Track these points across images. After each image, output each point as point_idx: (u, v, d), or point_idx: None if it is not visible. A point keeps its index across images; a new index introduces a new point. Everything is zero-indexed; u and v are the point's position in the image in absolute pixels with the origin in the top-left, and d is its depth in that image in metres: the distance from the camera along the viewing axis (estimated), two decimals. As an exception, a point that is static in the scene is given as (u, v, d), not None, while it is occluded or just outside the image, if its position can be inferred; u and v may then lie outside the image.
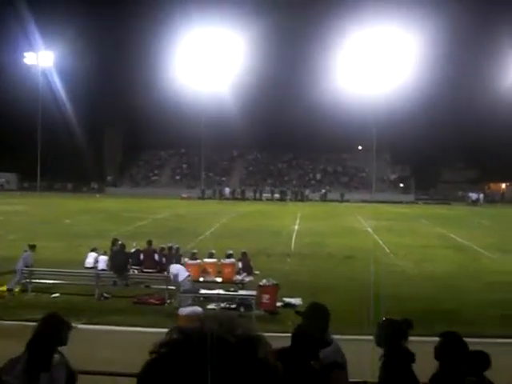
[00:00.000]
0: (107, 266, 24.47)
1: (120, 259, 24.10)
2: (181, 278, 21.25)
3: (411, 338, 7.21)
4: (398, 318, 7.73)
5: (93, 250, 25.96)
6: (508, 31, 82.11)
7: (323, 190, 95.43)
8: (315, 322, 6.78)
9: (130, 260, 24.80)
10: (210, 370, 1.36)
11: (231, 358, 1.40)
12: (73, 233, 39.43)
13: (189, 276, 21.58)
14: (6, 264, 24.83)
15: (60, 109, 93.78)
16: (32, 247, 24.14)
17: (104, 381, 10.39)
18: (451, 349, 6.81)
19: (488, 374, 6.85)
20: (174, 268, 21.84)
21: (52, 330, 6.78)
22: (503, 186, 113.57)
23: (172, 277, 21.43)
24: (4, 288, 22.64)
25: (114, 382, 9.84)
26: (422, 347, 7.21)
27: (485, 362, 7.78)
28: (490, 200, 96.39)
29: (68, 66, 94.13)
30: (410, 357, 7.13)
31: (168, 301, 21.27)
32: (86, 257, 25.73)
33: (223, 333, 1.45)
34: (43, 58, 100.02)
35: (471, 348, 6.95)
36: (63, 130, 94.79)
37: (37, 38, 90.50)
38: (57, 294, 22.09)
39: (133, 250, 25.42)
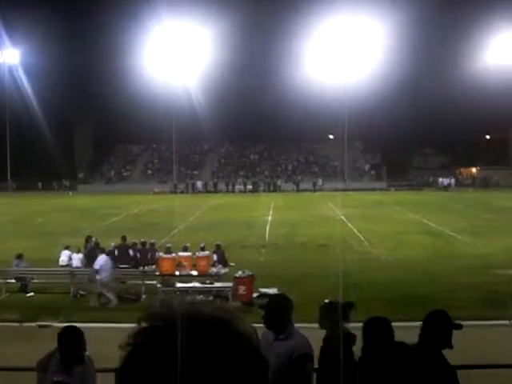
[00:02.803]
0: (82, 263, 24.37)
1: (96, 256, 24.02)
2: (104, 273, 21.09)
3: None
4: (340, 300, 7.83)
5: (66, 248, 25.75)
6: (474, 18, 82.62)
7: (320, 180, 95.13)
8: (278, 315, 6.73)
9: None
10: (185, 351, 1.34)
11: (205, 336, 1.39)
12: (46, 231, 39.18)
13: (109, 276, 21.39)
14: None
15: (28, 106, 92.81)
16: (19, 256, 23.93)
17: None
18: (375, 332, 6.92)
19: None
20: (99, 262, 21.56)
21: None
22: (474, 170, 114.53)
23: (95, 270, 21.28)
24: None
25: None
26: (400, 332, 7.25)
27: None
28: (461, 185, 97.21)
29: (35, 63, 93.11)
30: (351, 338, 7.25)
31: (144, 295, 21.24)
32: (59, 255, 25.54)
33: (193, 312, 1.44)
34: (9, 56, 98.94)
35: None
36: (32, 127, 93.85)
37: (2, 35, 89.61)
38: (32, 294, 21.97)
39: (110, 249, 25.29)
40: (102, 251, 22.83)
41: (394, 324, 7.40)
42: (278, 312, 6.69)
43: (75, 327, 7.06)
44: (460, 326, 6.72)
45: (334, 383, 6.76)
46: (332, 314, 7.42)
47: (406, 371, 6.54)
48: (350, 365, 6.70)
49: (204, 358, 1.35)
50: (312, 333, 7.35)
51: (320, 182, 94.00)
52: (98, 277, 21.02)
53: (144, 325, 1.44)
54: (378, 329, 6.94)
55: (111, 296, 20.80)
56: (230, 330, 1.44)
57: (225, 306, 1.57)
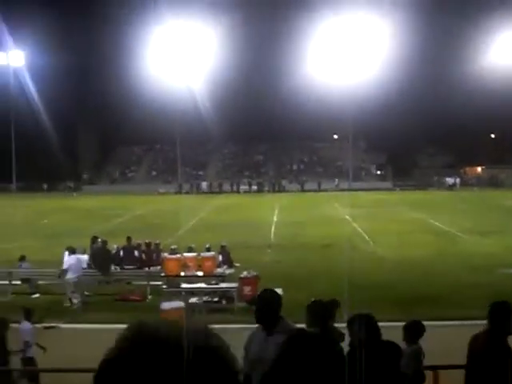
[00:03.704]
0: (87, 264, 24.37)
1: (103, 257, 24.01)
2: (70, 274, 21.16)
3: (394, 324, 7.29)
4: (325, 299, 7.92)
5: (68, 249, 25.66)
6: (478, 17, 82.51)
7: (336, 180, 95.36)
8: (268, 310, 6.81)
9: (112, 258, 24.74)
10: (169, 368, 1.37)
11: (184, 352, 1.40)
12: (50, 233, 39.20)
13: (76, 277, 21.38)
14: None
15: (33, 108, 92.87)
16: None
17: (88, 377, 10.34)
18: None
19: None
20: (68, 262, 21.66)
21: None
22: (479, 169, 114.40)
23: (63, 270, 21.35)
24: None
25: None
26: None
27: (419, 331, 8.34)
28: (466, 184, 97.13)
29: (39, 65, 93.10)
30: (339, 336, 7.33)
31: (149, 296, 21.26)
32: (63, 256, 25.53)
33: (175, 330, 1.45)
34: (14, 58, 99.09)
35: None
36: (37, 129, 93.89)
37: (6, 37, 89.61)
38: (37, 295, 21.97)
39: (114, 251, 25.23)
40: (72, 251, 22.69)
41: (399, 324, 7.45)
42: (267, 307, 6.79)
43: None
44: None
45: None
46: (319, 313, 7.53)
47: (392, 368, 6.64)
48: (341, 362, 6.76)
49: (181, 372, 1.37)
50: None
51: (336, 182, 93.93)
52: (66, 277, 21.15)
53: (128, 334, 1.46)
54: (363, 325, 7.02)
55: (74, 298, 20.83)
56: (208, 347, 1.46)
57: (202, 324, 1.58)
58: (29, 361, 12.31)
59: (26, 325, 13.10)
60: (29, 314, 13.48)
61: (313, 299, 8.08)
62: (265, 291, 7.44)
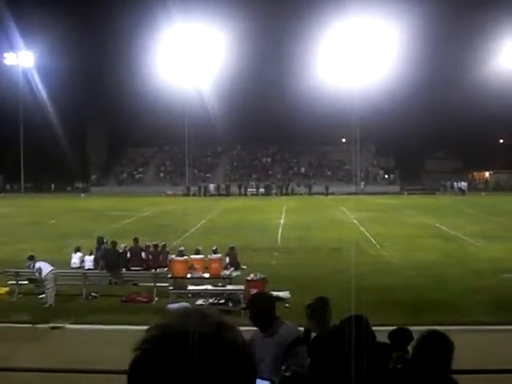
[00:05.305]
0: (94, 265, 24.46)
1: (113, 257, 24.05)
2: (44, 272, 21.23)
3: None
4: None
5: (77, 251, 25.85)
6: (488, 21, 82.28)
7: (362, 183, 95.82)
8: (260, 313, 6.86)
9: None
10: (191, 362, 1.39)
11: (208, 349, 1.43)
12: (58, 233, 39.23)
13: (52, 270, 21.49)
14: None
15: (42, 109, 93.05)
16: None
17: (94, 379, 10.36)
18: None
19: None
20: (38, 264, 21.80)
21: None
22: (487, 174, 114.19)
23: (37, 273, 21.44)
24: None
25: (106, 381, 9.80)
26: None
27: (406, 338, 8.30)
28: (474, 189, 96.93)
29: (49, 66, 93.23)
30: (341, 335, 7.41)
31: (156, 298, 21.25)
32: (71, 257, 25.64)
33: (196, 325, 1.47)
34: (23, 58, 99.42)
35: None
36: (46, 130, 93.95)
37: (17, 37, 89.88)
38: (44, 295, 22.00)
39: (121, 251, 25.26)
40: (31, 258, 22.80)
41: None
42: (260, 310, 6.88)
43: None
44: None
45: (328, 380, 6.91)
46: (317, 313, 7.68)
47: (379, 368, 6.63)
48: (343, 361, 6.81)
49: (203, 366, 1.40)
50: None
51: (362, 185, 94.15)
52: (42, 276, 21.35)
53: (153, 332, 1.49)
54: (355, 327, 7.04)
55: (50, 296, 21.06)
56: (229, 345, 1.48)
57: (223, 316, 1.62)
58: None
59: None
60: None
61: (311, 301, 8.17)
62: (257, 295, 7.56)
